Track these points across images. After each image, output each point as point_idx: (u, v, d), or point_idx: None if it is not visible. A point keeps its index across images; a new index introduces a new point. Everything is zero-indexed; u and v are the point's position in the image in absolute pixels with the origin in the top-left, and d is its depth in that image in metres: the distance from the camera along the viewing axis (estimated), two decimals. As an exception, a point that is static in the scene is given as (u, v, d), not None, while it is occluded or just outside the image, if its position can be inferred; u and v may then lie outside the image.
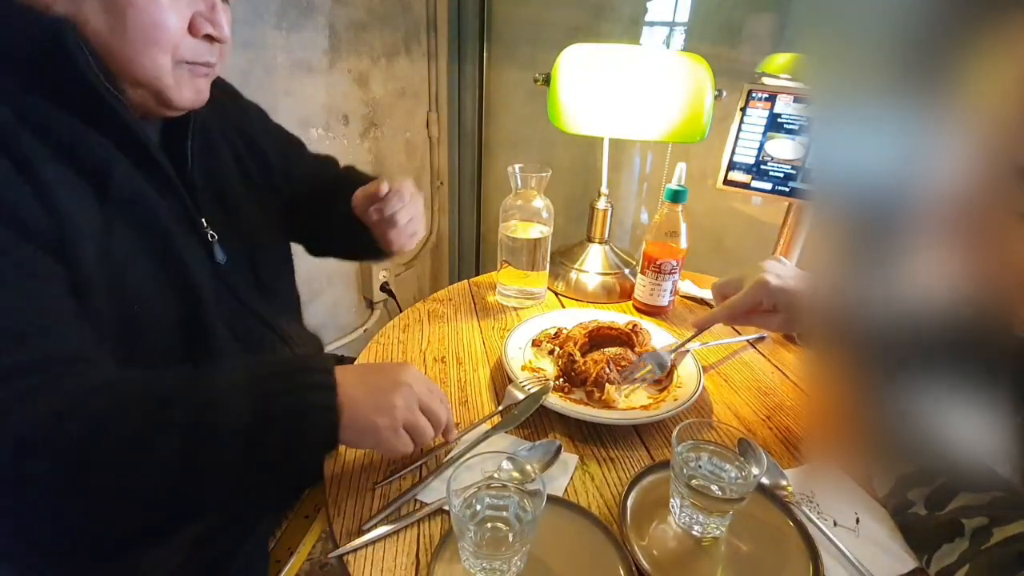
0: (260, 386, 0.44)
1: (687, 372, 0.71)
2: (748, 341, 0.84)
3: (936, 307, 0.48)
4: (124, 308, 0.51)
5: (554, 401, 0.63)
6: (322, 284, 1.62)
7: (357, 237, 0.72)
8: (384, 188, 0.66)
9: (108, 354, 0.48)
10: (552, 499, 0.51)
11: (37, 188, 0.44)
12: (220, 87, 0.71)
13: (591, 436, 0.62)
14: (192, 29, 0.52)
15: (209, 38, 0.53)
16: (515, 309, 0.91)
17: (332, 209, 0.74)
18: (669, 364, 0.69)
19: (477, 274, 1.07)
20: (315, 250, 0.89)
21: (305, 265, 0.87)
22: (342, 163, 0.90)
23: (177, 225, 0.56)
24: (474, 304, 0.92)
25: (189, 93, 0.54)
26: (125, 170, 0.51)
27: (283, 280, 0.77)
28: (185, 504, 0.45)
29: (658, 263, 0.86)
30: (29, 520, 0.43)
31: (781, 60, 1.01)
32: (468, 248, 2.05)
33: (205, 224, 0.61)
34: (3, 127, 0.44)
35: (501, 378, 0.71)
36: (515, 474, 0.47)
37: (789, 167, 0.91)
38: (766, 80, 0.97)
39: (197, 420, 0.42)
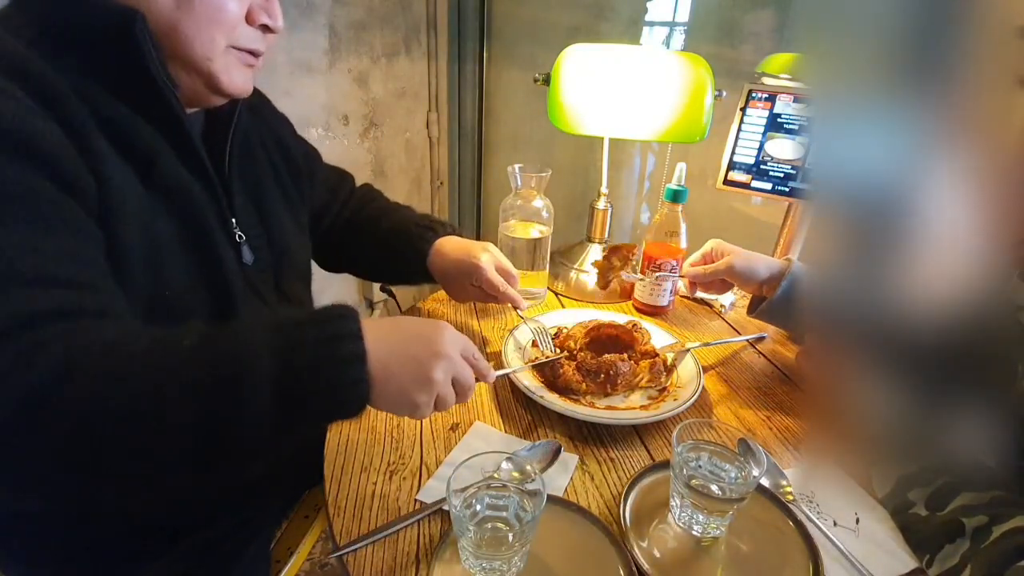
0: (285, 354, 0.41)
1: (687, 372, 0.71)
2: (748, 341, 0.84)
3: (933, 309, 0.48)
4: (158, 288, 0.51)
5: (554, 401, 0.63)
6: (322, 283, 1.61)
7: (424, 279, 0.84)
8: (523, 306, 0.79)
9: (134, 316, 0.48)
10: (552, 499, 0.51)
11: (86, 156, 0.45)
12: (258, 96, 0.72)
13: (591, 436, 0.62)
14: (249, 18, 0.54)
15: (264, 27, 0.56)
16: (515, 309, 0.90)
17: (401, 261, 0.82)
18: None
19: (477, 274, 1.07)
20: (336, 269, 0.91)
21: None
22: (342, 163, 0.90)
23: (213, 221, 0.57)
24: (474, 304, 0.92)
25: (238, 79, 0.56)
26: (169, 159, 0.53)
27: (303, 289, 0.77)
28: (198, 477, 0.43)
29: (658, 263, 0.86)
30: (42, 488, 0.40)
31: (781, 60, 1.01)
32: (468, 248, 2.05)
33: (235, 224, 0.61)
34: (60, 96, 0.45)
35: (501, 378, 0.71)
36: (515, 474, 0.47)
37: (789, 167, 0.91)
38: (766, 80, 0.97)
39: (213, 393, 0.39)
